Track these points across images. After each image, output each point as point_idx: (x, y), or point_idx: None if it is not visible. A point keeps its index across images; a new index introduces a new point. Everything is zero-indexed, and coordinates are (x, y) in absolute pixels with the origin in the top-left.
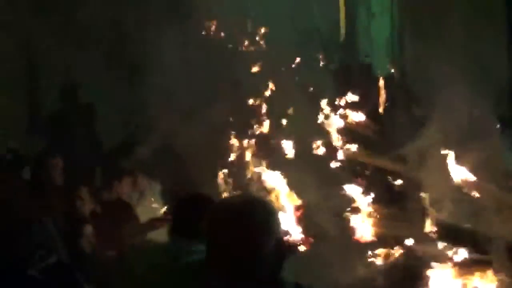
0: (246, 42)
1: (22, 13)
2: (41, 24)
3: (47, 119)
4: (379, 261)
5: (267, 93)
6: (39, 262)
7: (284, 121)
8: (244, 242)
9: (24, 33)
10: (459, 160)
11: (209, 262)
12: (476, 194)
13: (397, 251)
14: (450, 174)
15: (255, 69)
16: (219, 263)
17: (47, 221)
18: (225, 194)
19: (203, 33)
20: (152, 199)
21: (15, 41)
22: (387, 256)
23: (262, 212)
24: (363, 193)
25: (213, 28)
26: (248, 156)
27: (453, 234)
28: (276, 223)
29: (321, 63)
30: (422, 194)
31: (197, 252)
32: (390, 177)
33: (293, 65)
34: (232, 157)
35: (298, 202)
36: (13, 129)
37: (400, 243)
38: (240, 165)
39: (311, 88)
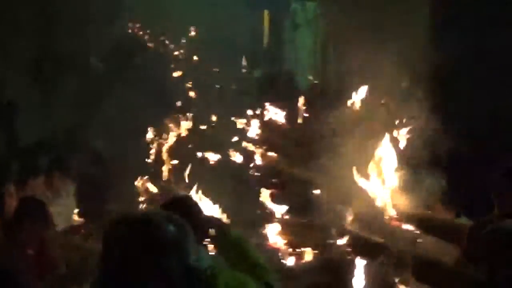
0: (171, 46)
1: None
2: None
3: None
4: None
5: (190, 95)
6: None
7: (204, 127)
8: (139, 261)
9: None
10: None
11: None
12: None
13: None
14: (361, 188)
15: (176, 73)
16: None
17: None
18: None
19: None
20: (67, 199)
21: None
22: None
23: (167, 231)
24: (277, 202)
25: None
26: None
27: (362, 246)
28: (185, 245)
29: (243, 70)
30: (337, 206)
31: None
32: (305, 187)
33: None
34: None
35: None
36: None
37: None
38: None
39: (231, 94)
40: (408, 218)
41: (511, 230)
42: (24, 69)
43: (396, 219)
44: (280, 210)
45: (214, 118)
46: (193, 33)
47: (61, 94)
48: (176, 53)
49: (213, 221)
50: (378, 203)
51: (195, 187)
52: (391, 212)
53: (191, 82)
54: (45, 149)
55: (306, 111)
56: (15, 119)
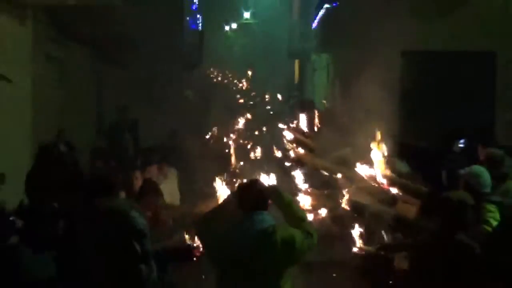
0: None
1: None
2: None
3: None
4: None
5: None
6: None
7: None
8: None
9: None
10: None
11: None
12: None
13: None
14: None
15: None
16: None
17: None
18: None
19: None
20: (172, 181)
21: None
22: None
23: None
24: (304, 180)
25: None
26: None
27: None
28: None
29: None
30: (340, 183)
31: (265, 221)
32: (322, 171)
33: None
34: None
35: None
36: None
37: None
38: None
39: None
40: (392, 181)
41: (460, 198)
42: (141, 99)
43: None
44: (305, 186)
45: (264, 128)
46: (249, 73)
47: (166, 113)
48: (240, 86)
49: (274, 190)
50: (372, 179)
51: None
52: (382, 180)
53: (249, 106)
54: (156, 148)
55: (320, 123)
56: (138, 131)
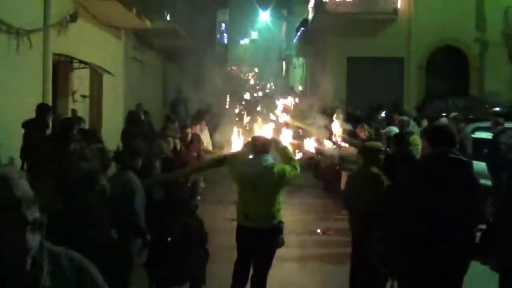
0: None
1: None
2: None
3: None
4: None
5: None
6: None
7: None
8: None
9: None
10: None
11: None
12: None
13: None
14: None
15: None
16: None
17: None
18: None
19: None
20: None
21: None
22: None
23: None
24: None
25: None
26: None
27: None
28: None
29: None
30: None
31: (268, 160)
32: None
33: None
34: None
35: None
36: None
37: None
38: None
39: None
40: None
41: (374, 145)
42: (190, 85)
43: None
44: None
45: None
46: (256, 70)
47: (205, 93)
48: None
49: (274, 140)
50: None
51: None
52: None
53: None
54: (198, 115)
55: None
56: (187, 104)
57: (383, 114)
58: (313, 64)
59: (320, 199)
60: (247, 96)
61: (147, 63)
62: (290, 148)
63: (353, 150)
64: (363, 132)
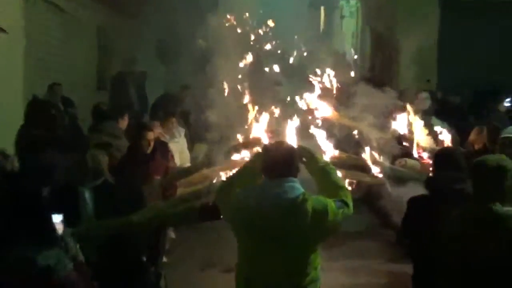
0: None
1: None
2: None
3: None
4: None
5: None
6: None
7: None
8: None
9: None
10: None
11: None
12: None
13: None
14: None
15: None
16: None
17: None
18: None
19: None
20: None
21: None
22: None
23: None
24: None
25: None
26: None
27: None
28: None
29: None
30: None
31: (296, 189)
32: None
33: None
34: None
35: None
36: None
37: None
38: None
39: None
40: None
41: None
42: (151, 50)
43: None
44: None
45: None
46: (270, 23)
47: (177, 65)
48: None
49: (305, 150)
50: None
51: None
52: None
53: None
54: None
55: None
56: (145, 84)
57: (505, 104)
58: (377, 11)
59: (389, 263)
60: (254, 71)
61: (73, 13)
62: (335, 168)
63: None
64: (480, 139)
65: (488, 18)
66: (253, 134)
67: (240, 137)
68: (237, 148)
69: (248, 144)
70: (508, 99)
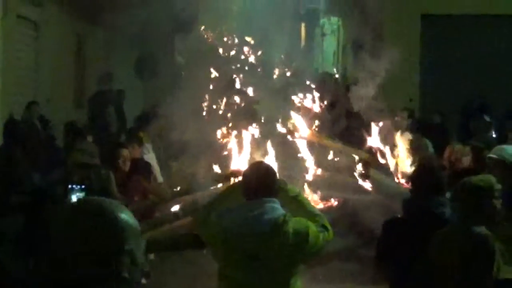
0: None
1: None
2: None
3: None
4: None
5: None
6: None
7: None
8: None
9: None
10: None
11: None
12: None
13: None
14: None
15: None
16: None
17: None
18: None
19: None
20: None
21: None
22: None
23: None
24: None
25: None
26: None
27: None
28: None
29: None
30: None
31: (275, 209)
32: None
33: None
34: None
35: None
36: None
37: None
38: None
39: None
40: None
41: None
42: (128, 67)
43: None
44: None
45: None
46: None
47: (155, 83)
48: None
49: (278, 181)
50: None
51: None
52: None
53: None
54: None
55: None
56: (123, 103)
57: (487, 120)
58: (358, 28)
59: (369, 286)
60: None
61: (48, 26)
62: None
63: None
64: (455, 156)
65: (474, 31)
66: (232, 159)
67: (218, 166)
68: (219, 179)
69: (230, 175)
70: (487, 117)
